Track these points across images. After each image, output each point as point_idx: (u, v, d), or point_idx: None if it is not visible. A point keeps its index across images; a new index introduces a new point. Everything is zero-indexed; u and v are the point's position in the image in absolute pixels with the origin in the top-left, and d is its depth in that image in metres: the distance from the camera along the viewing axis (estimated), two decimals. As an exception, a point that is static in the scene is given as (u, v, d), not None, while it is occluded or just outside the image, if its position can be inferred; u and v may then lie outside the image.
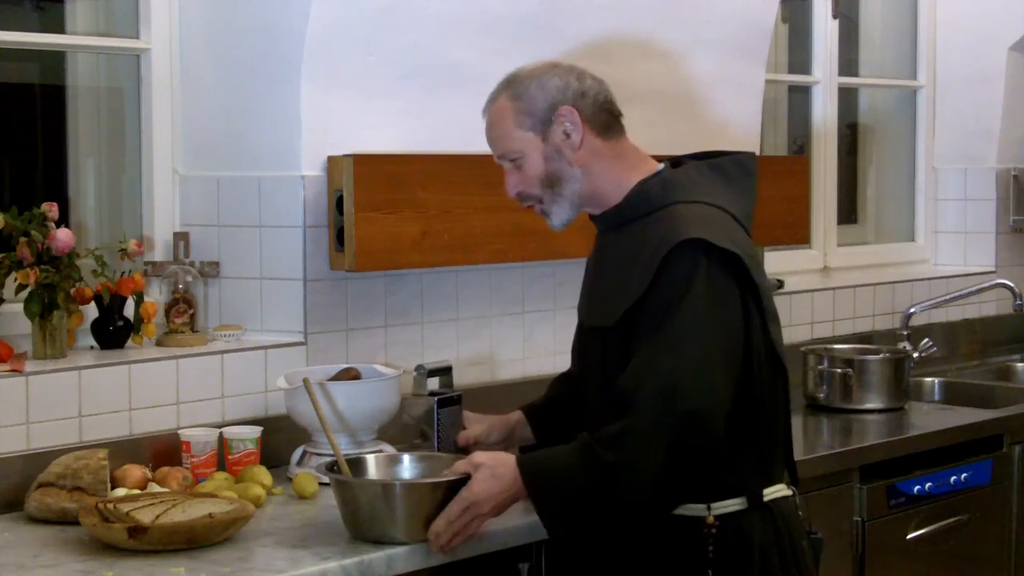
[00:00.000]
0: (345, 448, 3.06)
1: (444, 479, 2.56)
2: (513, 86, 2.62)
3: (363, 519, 2.58)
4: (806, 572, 2.61)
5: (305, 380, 2.91)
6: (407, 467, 2.74)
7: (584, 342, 2.71)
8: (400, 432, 3.26)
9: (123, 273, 3.21)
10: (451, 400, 3.06)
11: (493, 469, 2.49)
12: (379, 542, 2.56)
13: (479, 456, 2.53)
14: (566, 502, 2.44)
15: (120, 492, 2.78)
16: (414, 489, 2.57)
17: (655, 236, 2.49)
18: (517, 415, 2.98)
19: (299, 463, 3.07)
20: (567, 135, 2.58)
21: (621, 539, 2.56)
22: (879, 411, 4.00)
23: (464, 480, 2.52)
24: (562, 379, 2.98)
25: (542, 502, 2.46)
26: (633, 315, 2.48)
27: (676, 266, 2.44)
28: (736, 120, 4.19)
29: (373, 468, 2.73)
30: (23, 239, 3.02)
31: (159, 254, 3.39)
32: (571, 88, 2.59)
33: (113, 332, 3.19)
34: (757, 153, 3.95)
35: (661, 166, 2.63)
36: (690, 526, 2.50)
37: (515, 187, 2.64)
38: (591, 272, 2.73)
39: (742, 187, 2.65)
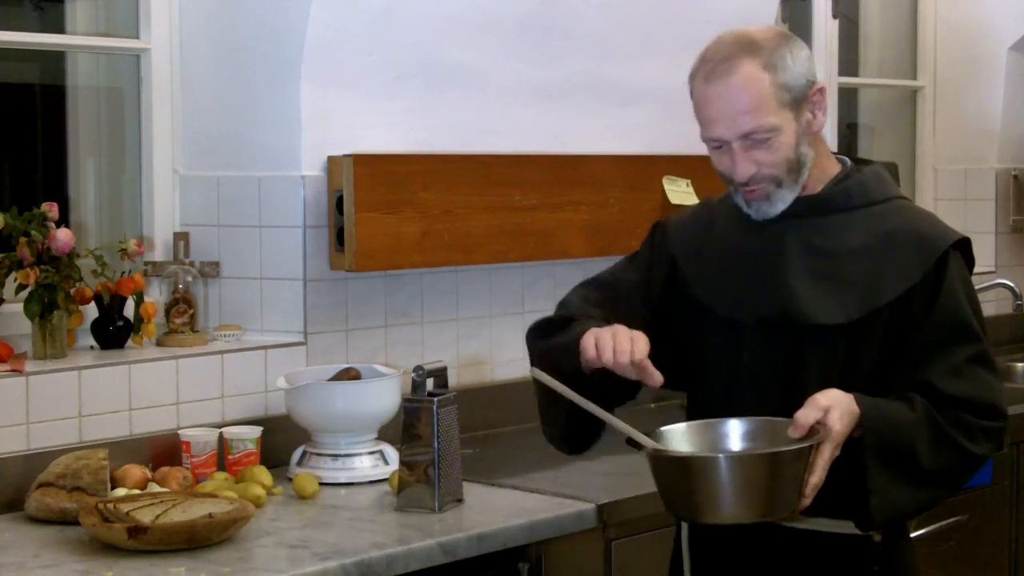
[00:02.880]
0: (344, 448, 3.06)
1: (803, 444, 2.18)
2: (761, 53, 2.22)
3: (729, 498, 2.14)
4: None
5: (534, 369, 2.30)
6: (728, 434, 2.29)
7: (751, 340, 2.35)
8: (400, 432, 3.26)
9: (123, 273, 3.21)
10: (449, 401, 3.06)
11: (842, 407, 2.18)
12: (742, 521, 2.18)
13: (821, 399, 2.18)
14: (898, 454, 2.22)
15: (120, 492, 2.79)
16: (798, 456, 2.17)
17: (908, 230, 2.30)
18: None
19: (299, 463, 3.07)
20: (813, 116, 2.27)
21: (784, 554, 2.36)
22: (879, 411, 3.99)
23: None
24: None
25: (876, 447, 2.22)
26: (890, 310, 2.27)
27: (956, 268, 2.30)
28: (736, 120, 4.18)
29: (697, 441, 2.28)
30: (23, 239, 3.02)
31: (159, 254, 3.39)
32: (812, 61, 2.29)
33: (113, 332, 3.19)
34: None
35: (844, 158, 2.42)
36: (856, 544, 2.32)
37: (754, 167, 2.25)
38: (772, 264, 2.33)
39: None
